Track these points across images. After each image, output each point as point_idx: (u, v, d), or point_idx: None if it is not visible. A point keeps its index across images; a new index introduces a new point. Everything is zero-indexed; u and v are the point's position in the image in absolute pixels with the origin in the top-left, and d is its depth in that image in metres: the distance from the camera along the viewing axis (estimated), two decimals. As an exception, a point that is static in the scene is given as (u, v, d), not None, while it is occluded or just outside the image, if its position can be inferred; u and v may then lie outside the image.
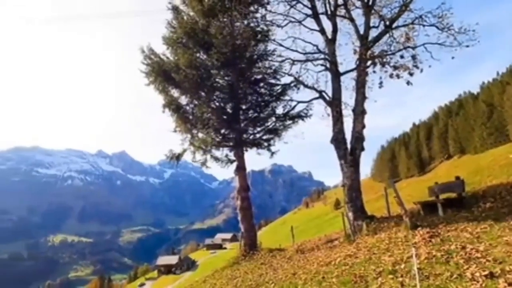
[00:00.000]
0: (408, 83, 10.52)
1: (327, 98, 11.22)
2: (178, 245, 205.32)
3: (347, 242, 8.74)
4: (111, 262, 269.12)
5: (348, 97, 11.26)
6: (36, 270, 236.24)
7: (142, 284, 66.93)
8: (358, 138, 10.35)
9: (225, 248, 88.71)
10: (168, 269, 69.64)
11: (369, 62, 10.68)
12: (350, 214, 9.56)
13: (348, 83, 11.43)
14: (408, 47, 10.34)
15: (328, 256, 7.25)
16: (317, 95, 11.59)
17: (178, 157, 13.25)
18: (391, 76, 10.59)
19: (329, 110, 11.28)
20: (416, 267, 3.77)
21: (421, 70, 10.33)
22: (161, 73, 12.16)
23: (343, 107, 10.96)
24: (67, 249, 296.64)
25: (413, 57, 10.29)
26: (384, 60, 10.55)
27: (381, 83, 10.66)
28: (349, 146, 10.40)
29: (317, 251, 9.09)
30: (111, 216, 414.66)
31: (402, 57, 10.43)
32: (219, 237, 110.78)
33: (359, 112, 10.46)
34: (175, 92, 12.81)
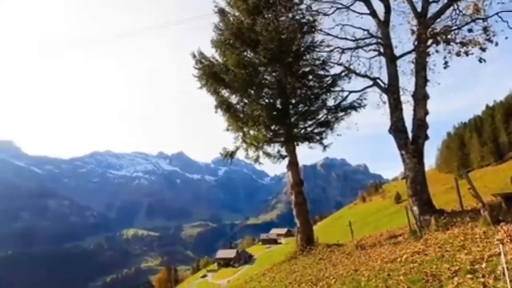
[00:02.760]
0: (480, 60, 9.27)
1: (383, 85, 10.51)
2: (235, 239, 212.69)
3: (413, 238, 8.13)
4: (175, 254, 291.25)
5: (406, 82, 10.40)
6: (114, 259, 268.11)
7: (204, 275, 71.13)
8: (421, 125, 9.50)
9: (280, 243, 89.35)
10: (226, 262, 72.88)
11: (429, 42, 9.66)
12: (415, 209, 8.85)
13: (405, 67, 10.54)
14: (478, 18, 9.07)
15: (393, 253, 6.84)
16: (370, 83, 10.94)
17: (231, 154, 13.72)
18: (458, 54, 9.43)
19: (385, 97, 10.57)
20: (505, 266, 3.34)
21: (496, 44, 9.00)
22: (211, 76, 12.69)
23: (401, 93, 10.17)
24: (138, 241, 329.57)
25: (485, 30, 9.00)
26: (449, 37, 9.44)
27: (446, 63, 9.56)
28: (410, 135, 9.62)
29: (379, 247, 8.63)
30: (173, 212, 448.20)
31: (470, 31, 9.20)
32: (274, 232, 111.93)
33: (420, 97, 9.58)
34: (225, 93, 13.26)
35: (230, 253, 77.39)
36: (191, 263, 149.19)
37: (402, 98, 10.10)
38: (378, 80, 10.70)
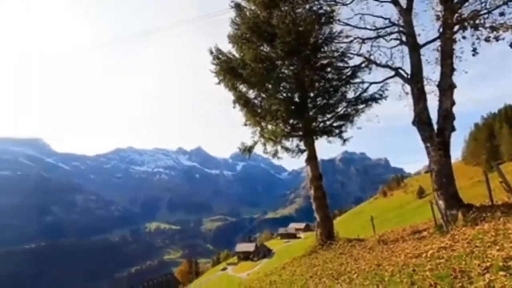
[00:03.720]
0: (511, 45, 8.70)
1: (405, 75, 10.11)
2: (253, 233, 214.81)
3: (438, 234, 7.87)
4: (196, 247, 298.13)
5: (431, 71, 9.93)
6: (138, 251, 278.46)
7: (225, 268, 72.38)
8: (447, 116, 9.06)
9: (299, 238, 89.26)
10: (246, 256, 73.74)
11: (456, 27, 9.15)
12: (441, 203, 8.51)
13: (429, 55, 10.05)
14: (511, 0, 8.49)
15: (417, 248, 6.64)
16: (392, 73, 10.55)
17: (250, 149, 13.76)
18: (487, 39, 8.87)
19: (408, 88, 10.16)
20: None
21: (531, 27, 8.40)
22: (229, 71, 12.71)
23: (425, 83, 9.74)
24: (160, 235, 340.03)
25: (518, 12, 8.42)
26: (477, 22, 8.90)
27: (474, 50, 9.02)
28: (435, 126, 9.23)
29: (402, 243, 8.42)
30: (193, 206, 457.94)
31: (502, 14, 8.60)
32: (292, 226, 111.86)
33: (446, 87, 9.13)
34: (243, 88, 13.25)
35: (249, 247, 78.20)
36: (211, 256, 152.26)
37: (426, 88, 9.67)
38: (400, 70, 10.30)
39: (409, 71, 9.88)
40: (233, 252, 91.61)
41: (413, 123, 9.50)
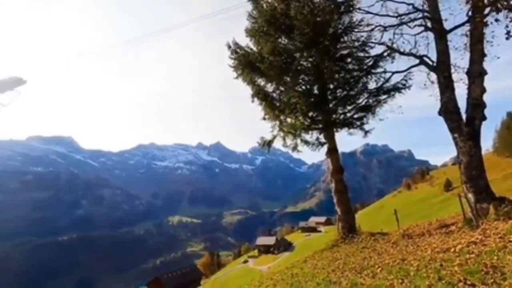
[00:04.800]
0: (550, 26, 8.06)
1: (430, 63, 9.65)
2: (274, 227, 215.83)
3: (468, 228, 7.55)
4: (217, 240, 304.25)
5: (459, 58, 9.42)
6: (162, 244, 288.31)
7: (246, 261, 73.41)
8: (477, 105, 8.59)
9: (320, 231, 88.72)
10: (266, 249, 74.37)
11: (487, 10, 8.59)
12: (471, 196, 8.13)
13: (457, 41, 9.51)
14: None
15: (445, 243, 6.41)
16: (416, 61, 10.11)
17: (269, 143, 13.73)
18: (522, 22, 8.29)
19: (433, 76, 9.72)
20: None
21: None
22: (247, 65, 12.66)
23: (452, 70, 9.26)
24: (183, 228, 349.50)
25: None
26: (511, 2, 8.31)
27: (508, 33, 8.44)
28: (464, 116, 8.78)
29: (428, 237, 8.16)
30: (214, 200, 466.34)
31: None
32: (313, 220, 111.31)
33: (476, 74, 8.63)
34: (261, 81, 13.18)
35: (269, 240, 78.76)
36: (232, 249, 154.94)
37: (454, 76, 9.20)
38: (425, 58, 9.84)
39: (435, 59, 9.44)
40: (254, 245, 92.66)
41: (440, 113, 9.09)
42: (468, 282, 3.93)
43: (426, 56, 9.85)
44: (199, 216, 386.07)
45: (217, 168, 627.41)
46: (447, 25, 9.28)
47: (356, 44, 11.78)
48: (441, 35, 9.17)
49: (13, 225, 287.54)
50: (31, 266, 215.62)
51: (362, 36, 11.51)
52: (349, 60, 12.26)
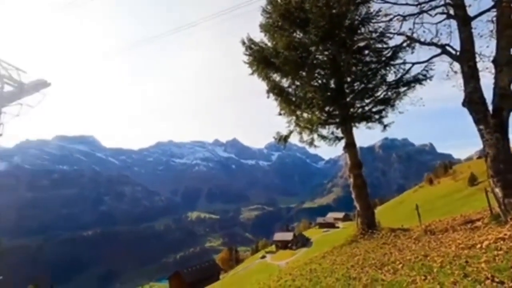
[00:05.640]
0: None
1: (453, 52, 9.23)
2: (291, 222, 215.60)
3: (495, 223, 7.25)
4: (235, 236, 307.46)
5: (484, 46, 8.96)
6: (181, 239, 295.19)
7: (264, 256, 73.81)
8: (504, 95, 8.14)
9: (337, 227, 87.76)
10: (284, 245, 74.43)
11: (515, -6, 8.11)
12: (498, 190, 7.77)
13: (482, 28, 9.03)
14: None
15: (470, 239, 6.19)
16: (438, 51, 9.69)
17: (285, 138, 13.66)
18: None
19: (456, 66, 9.30)
20: None
21: None
22: (262, 60, 12.61)
23: (477, 59, 8.82)
24: (201, 223, 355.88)
25: None
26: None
27: (538, 17, 7.95)
28: (490, 107, 8.36)
29: (452, 233, 7.90)
30: (231, 196, 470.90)
31: None
32: (330, 216, 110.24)
33: (503, 62, 8.17)
34: (276, 77, 13.09)
35: (287, 236, 78.76)
36: (250, 245, 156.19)
37: (479, 65, 8.76)
38: (447, 47, 9.41)
39: (458, 48, 9.01)
40: (272, 241, 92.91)
41: (464, 104, 8.70)
42: (496, 280, 3.78)
43: (448, 45, 9.43)
44: (217, 212, 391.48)
45: (233, 165, 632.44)
46: (471, 12, 8.84)
47: (374, 35, 11.40)
48: (465, 22, 8.74)
49: (44, 220, 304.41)
50: (59, 259, 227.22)
51: (380, 26, 11.14)
52: (366, 52, 11.91)
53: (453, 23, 9.19)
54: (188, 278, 63.72)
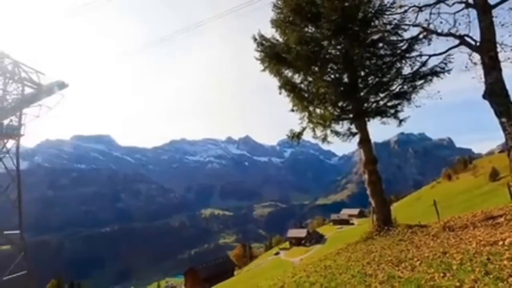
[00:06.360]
0: None
1: (473, 42, 8.91)
2: (304, 219, 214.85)
3: (518, 220, 6.97)
4: (249, 232, 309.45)
5: (506, 35, 8.60)
6: (195, 235, 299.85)
7: (277, 253, 74.03)
8: (528, 86, 7.82)
9: (352, 224, 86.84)
10: (298, 241, 74.37)
11: (540, -21, 7.72)
12: (522, 185, 7.49)
13: (504, 16, 8.67)
14: None
15: (492, 235, 6.00)
16: (456, 42, 9.38)
17: (298, 135, 13.54)
18: None
19: (476, 57, 8.98)
20: None
21: None
22: (273, 56, 12.51)
23: (498, 49, 8.48)
24: (215, 220, 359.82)
25: None
26: None
27: None
28: (512, 99, 8.03)
29: (472, 229, 7.67)
30: (244, 193, 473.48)
31: None
32: (345, 212, 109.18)
33: (527, 52, 7.84)
34: (288, 73, 12.96)
35: (300, 233, 78.64)
36: (263, 241, 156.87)
37: (500, 56, 8.43)
38: (466, 38, 9.09)
39: (477, 38, 8.69)
40: (285, 238, 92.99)
41: (484, 96, 8.40)
42: (520, 277, 3.65)
43: (467, 35, 9.11)
44: (231, 209, 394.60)
45: (246, 162, 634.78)
46: (491, 0, 8.49)
47: (388, 27, 11.09)
48: (485, 11, 8.41)
49: (64, 218, 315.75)
50: (79, 255, 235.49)
51: (394, 18, 10.84)
52: (380, 45, 11.60)
53: (472, 12, 8.87)
54: (203, 274, 64.67)
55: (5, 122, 19.20)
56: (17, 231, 19.16)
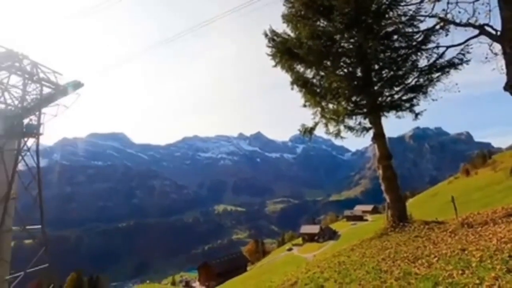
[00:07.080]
0: None
1: (493, 32, 8.53)
2: (317, 215, 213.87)
3: (542, 216, 6.71)
4: (261, 228, 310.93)
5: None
6: (209, 231, 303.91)
7: (290, 249, 74.11)
8: (554, 76, 7.46)
9: (366, 220, 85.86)
10: (311, 237, 74.17)
11: None
12: (546, 180, 7.18)
13: (527, 4, 8.26)
14: None
15: (513, 232, 5.79)
16: (476, 32, 8.99)
17: (310, 131, 13.42)
18: None
19: (497, 47, 8.60)
20: None
21: None
22: (285, 52, 12.41)
23: (521, 38, 8.10)
24: (227, 216, 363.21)
25: None
26: None
27: None
28: (536, 90, 7.68)
29: (493, 226, 7.43)
30: (256, 189, 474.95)
31: None
32: (358, 208, 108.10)
33: (552, 41, 7.46)
34: (300, 68, 12.83)
35: (313, 229, 78.38)
36: (276, 237, 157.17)
37: (523, 45, 8.05)
38: (486, 27, 8.72)
39: (498, 27, 8.32)
40: (298, 234, 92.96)
41: (506, 88, 8.06)
42: (545, 275, 3.53)
43: (487, 25, 8.72)
44: (243, 205, 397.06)
45: (258, 158, 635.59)
46: (513, -13, 8.09)
47: (403, 19, 10.75)
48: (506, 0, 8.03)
49: (82, 213, 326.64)
50: (97, 249, 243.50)
51: (410, 9, 10.49)
52: (395, 37, 11.28)
53: (493, 0, 8.49)
54: (217, 269, 65.63)
55: (25, 121, 19.91)
56: (39, 226, 19.96)
